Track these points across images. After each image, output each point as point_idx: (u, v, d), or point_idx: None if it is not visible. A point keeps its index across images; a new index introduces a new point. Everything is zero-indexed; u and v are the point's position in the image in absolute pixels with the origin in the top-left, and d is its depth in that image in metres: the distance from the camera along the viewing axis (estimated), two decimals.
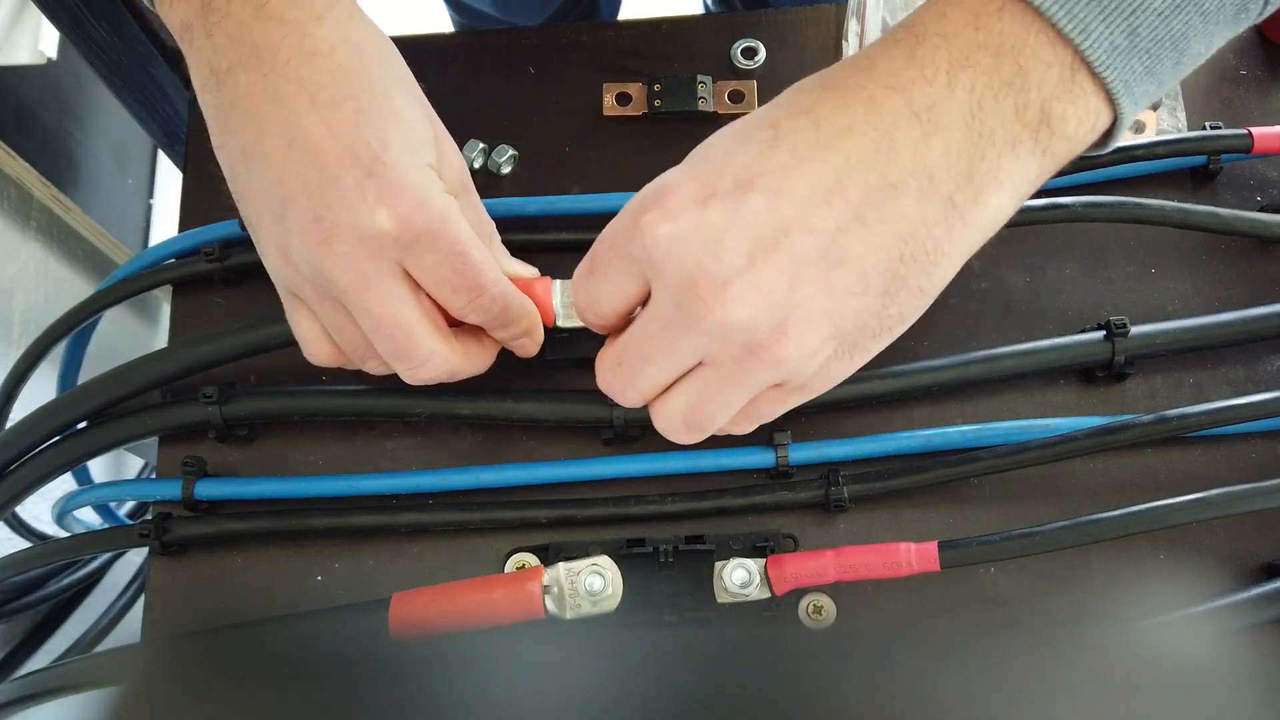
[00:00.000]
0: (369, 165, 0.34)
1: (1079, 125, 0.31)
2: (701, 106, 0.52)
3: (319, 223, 0.34)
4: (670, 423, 0.35)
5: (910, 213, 0.30)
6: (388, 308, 0.35)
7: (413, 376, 0.38)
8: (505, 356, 0.48)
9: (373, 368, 0.39)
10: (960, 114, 0.30)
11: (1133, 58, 0.30)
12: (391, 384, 0.46)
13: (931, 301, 0.32)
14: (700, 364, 0.33)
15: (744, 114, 0.34)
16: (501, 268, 0.39)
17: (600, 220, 0.48)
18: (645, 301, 0.34)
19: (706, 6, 1.02)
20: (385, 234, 0.34)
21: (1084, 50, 0.29)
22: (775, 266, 0.30)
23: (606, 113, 0.52)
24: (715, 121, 0.52)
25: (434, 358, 0.37)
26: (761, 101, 0.53)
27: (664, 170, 0.34)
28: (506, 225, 0.49)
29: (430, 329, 0.37)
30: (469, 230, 0.36)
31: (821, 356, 0.32)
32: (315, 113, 0.34)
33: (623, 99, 0.52)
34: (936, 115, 0.30)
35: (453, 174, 0.38)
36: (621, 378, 0.34)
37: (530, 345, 0.41)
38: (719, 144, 0.32)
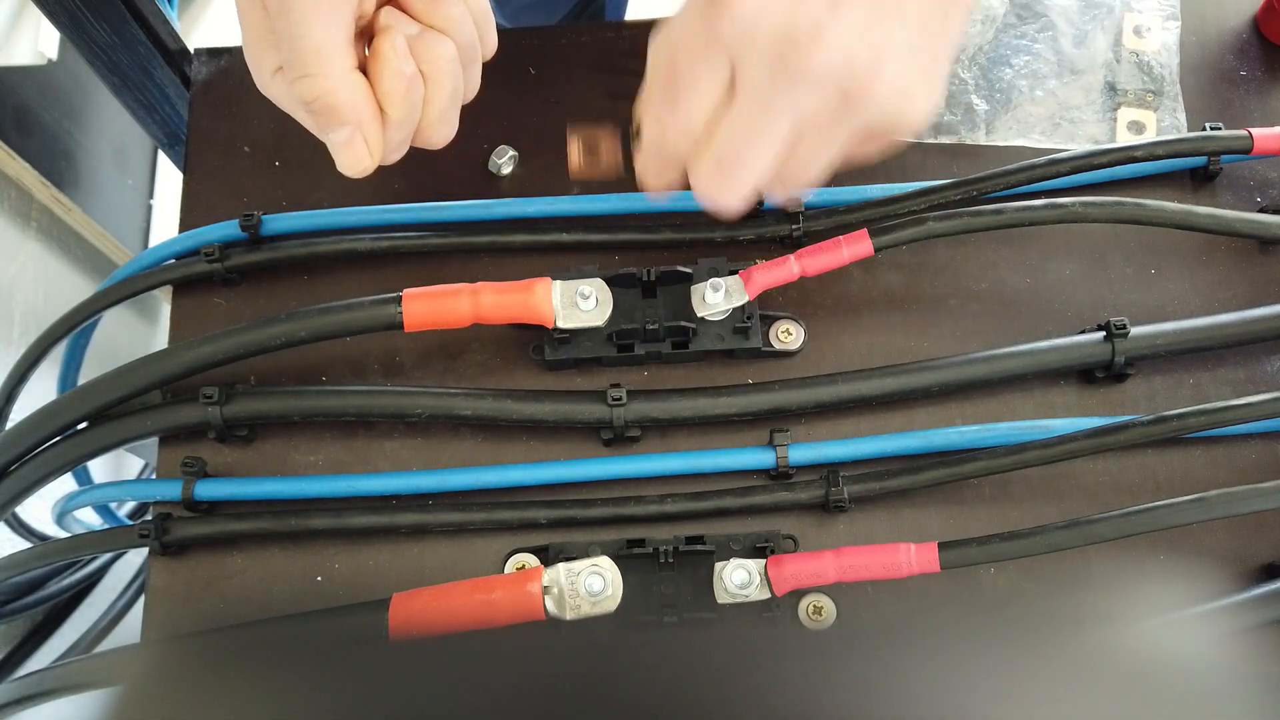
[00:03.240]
0: None
1: None
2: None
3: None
4: (772, 185, 0.36)
5: None
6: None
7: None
8: (504, 354, 0.48)
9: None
10: None
11: None
12: (391, 384, 0.46)
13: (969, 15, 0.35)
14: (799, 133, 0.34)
15: None
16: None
17: (600, 221, 0.49)
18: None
19: None
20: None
21: None
22: (855, 9, 0.31)
23: (574, 175, 0.49)
24: None
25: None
26: None
27: None
28: (507, 226, 0.49)
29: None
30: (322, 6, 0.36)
31: (911, 93, 0.33)
32: None
33: (589, 145, 0.49)
34: None
35: None
36: (727, 177, 0.35)
37: (359, 151, 0.39)
38: None
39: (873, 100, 0.33)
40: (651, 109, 0.36)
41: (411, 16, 0.40)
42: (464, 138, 0.45)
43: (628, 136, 0.43)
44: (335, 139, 0.39)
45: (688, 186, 0.36)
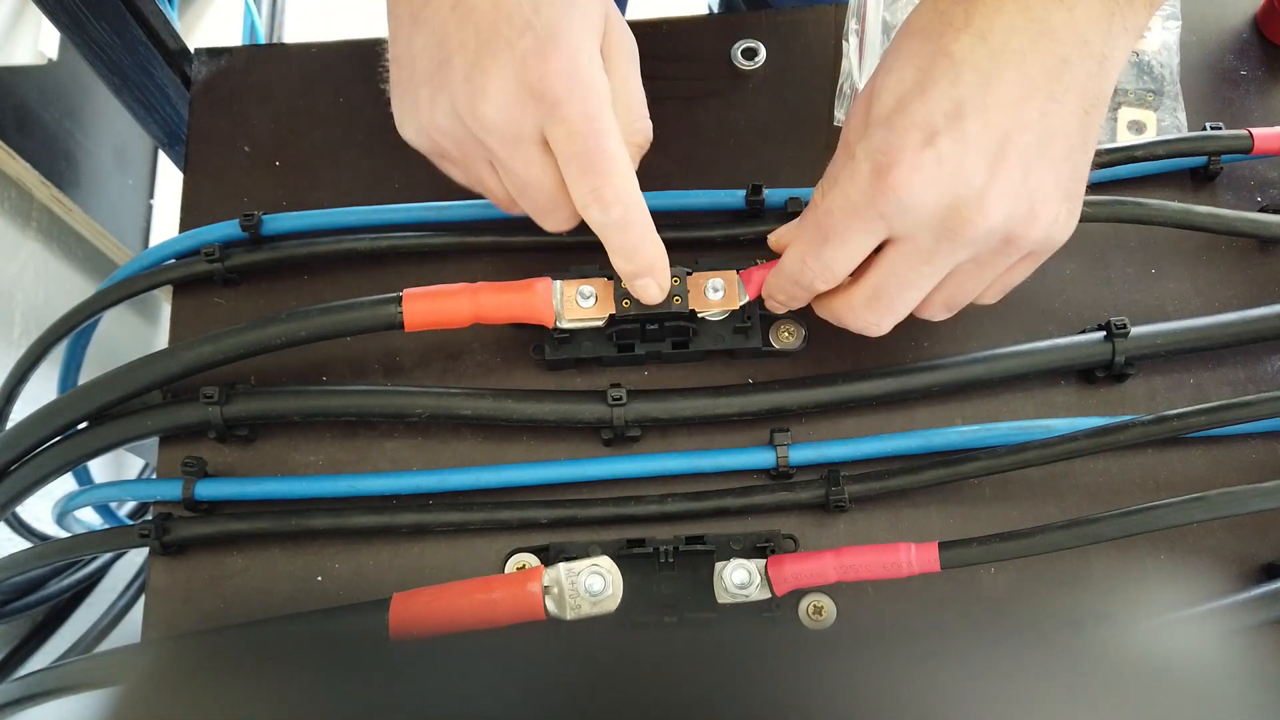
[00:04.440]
0: (523, 26, 0.35)
1: None
2: (676, 306, 0.43)
3: (470, 81, 0.36)
4: (932, 313, 0.41)
5: (1080, 75, 0.36)
6: (529, 171, 0.37)
7: (558, 228, 0.41)
8: (504, 354, 0.48)
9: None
10: None
11: None
12: (391, 384, 0.46)
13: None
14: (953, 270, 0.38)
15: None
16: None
17: None
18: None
19: (710, 9, 1.02)
20: (527, 94, 0.35)
21: None
22: (1011, 167, 0.35)
23: (566, 322, 0.43)
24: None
25: (574, 220, 0.40)
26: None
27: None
28: (507, 226, 0.49)
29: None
30: (610, 115, 0.36)
31: (1061, 220, 0.37)
32: None
33: (585, 296, 0.43)
34: None
35: (618, 52, 0.38)
36: (880, 310, 0.39)
37: (654, 290, 0.41)
38: (903, 90, 0.36)
39: (1029, 239, 0.37)
40: (798, 248, 0.39)
41: None
42: None
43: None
44: (631, 267, 0.40)
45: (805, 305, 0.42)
